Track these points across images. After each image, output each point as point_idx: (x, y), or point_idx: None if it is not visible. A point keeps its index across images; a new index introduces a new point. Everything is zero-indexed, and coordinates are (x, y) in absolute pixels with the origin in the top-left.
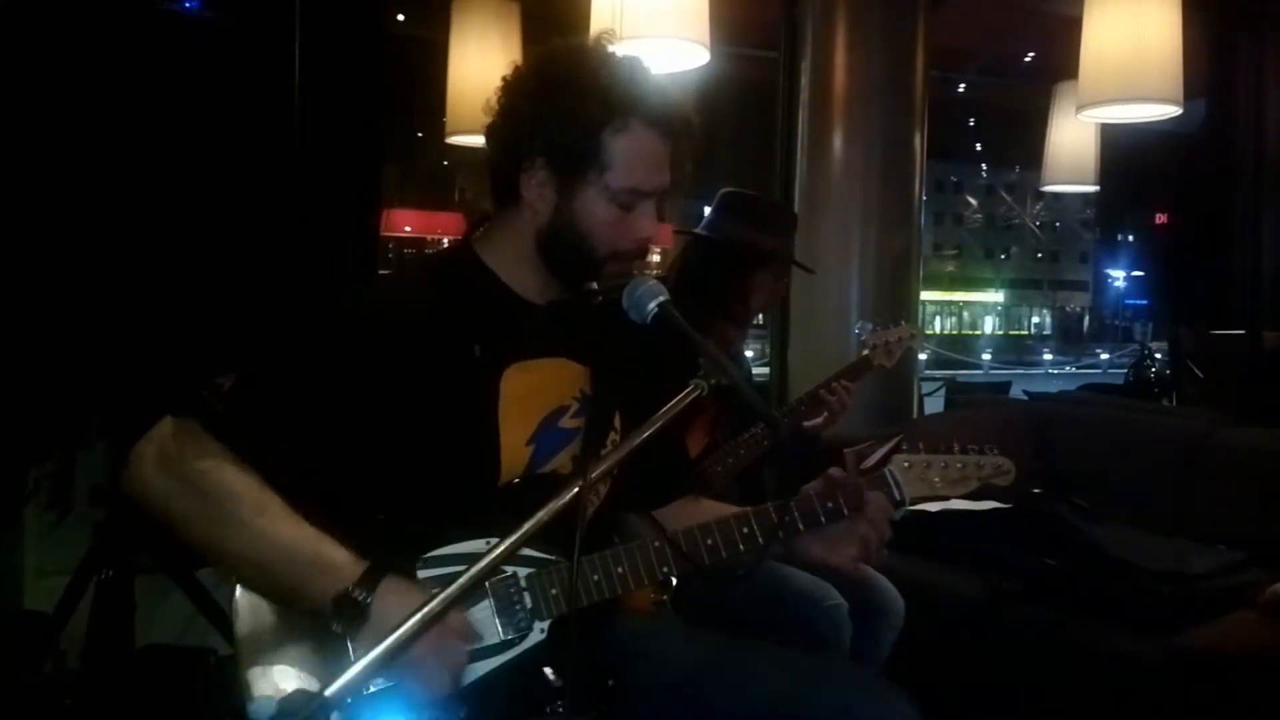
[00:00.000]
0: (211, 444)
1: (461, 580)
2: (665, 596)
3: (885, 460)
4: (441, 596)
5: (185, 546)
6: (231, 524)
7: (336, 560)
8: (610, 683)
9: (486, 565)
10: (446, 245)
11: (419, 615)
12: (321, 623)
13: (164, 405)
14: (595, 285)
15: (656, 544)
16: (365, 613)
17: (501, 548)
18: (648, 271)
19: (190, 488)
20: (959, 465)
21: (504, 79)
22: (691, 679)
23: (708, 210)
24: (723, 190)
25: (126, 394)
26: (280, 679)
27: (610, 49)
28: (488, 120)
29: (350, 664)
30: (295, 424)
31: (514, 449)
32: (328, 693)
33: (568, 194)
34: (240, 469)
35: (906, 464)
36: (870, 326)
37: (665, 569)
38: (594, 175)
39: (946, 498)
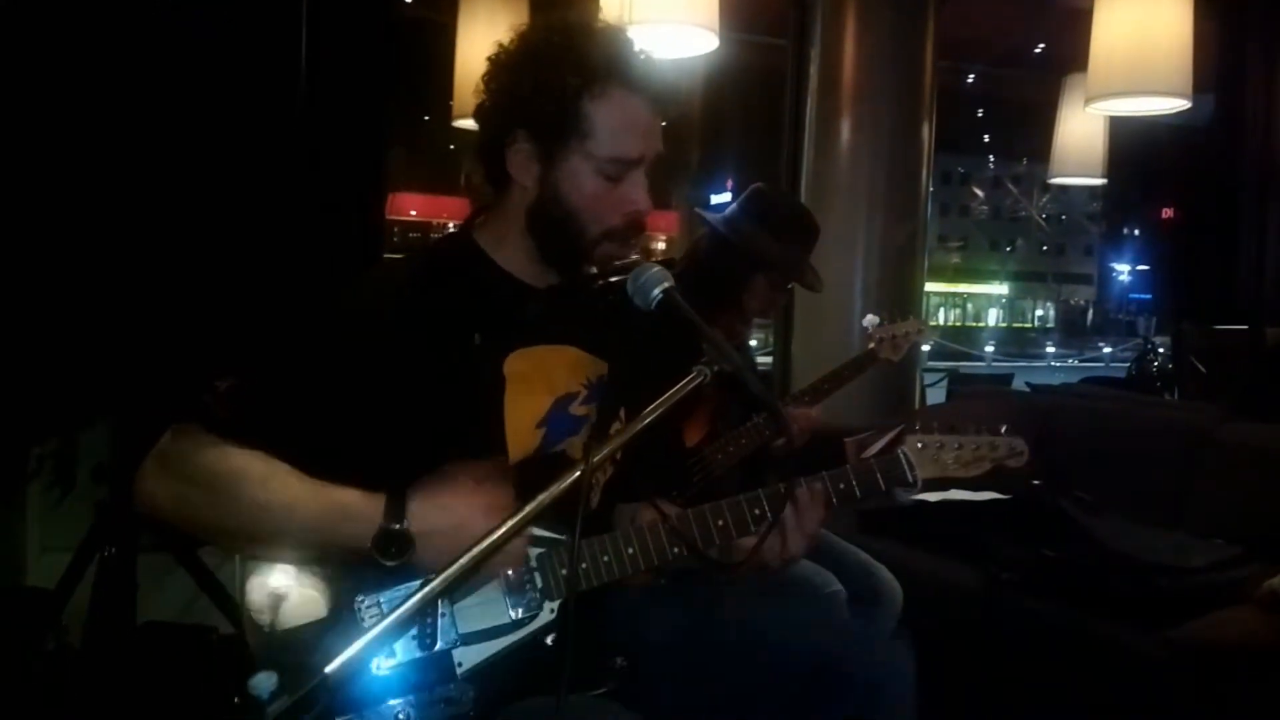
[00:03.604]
0: (210, 438)
1: (462, 560)
2: (663, 581)
3: (890, 448)
4: (443, 576)
5: (211, 543)
6: (245, 502)
7: (355, 502)
8: (618, 661)
9: (486, 546)
10: (449, 232)
11: (412, 602)
12: (365, 566)
13: (164, 416)
14: (594, 270)
15: (667, 525)
16: (409, 541)
17: (502, 529)
18: (637, 254)
19: (195, 481)
20: (973, 446)
21: (488, 59)
22: (696, 659)
23: (714, 198)
24: (754, 185)
25: (129, 373)
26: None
27: (593, 20)
28: (477, 102)
29: (355, 638)
30: (297, 419)
31: (523, 432)
32: (328, 669)
33: (551, 166)
34: (240, 451)
35: (920, 445)
36: (878, 320)
37: (676, 549)
38: (576, 144)
39: (959, 479)
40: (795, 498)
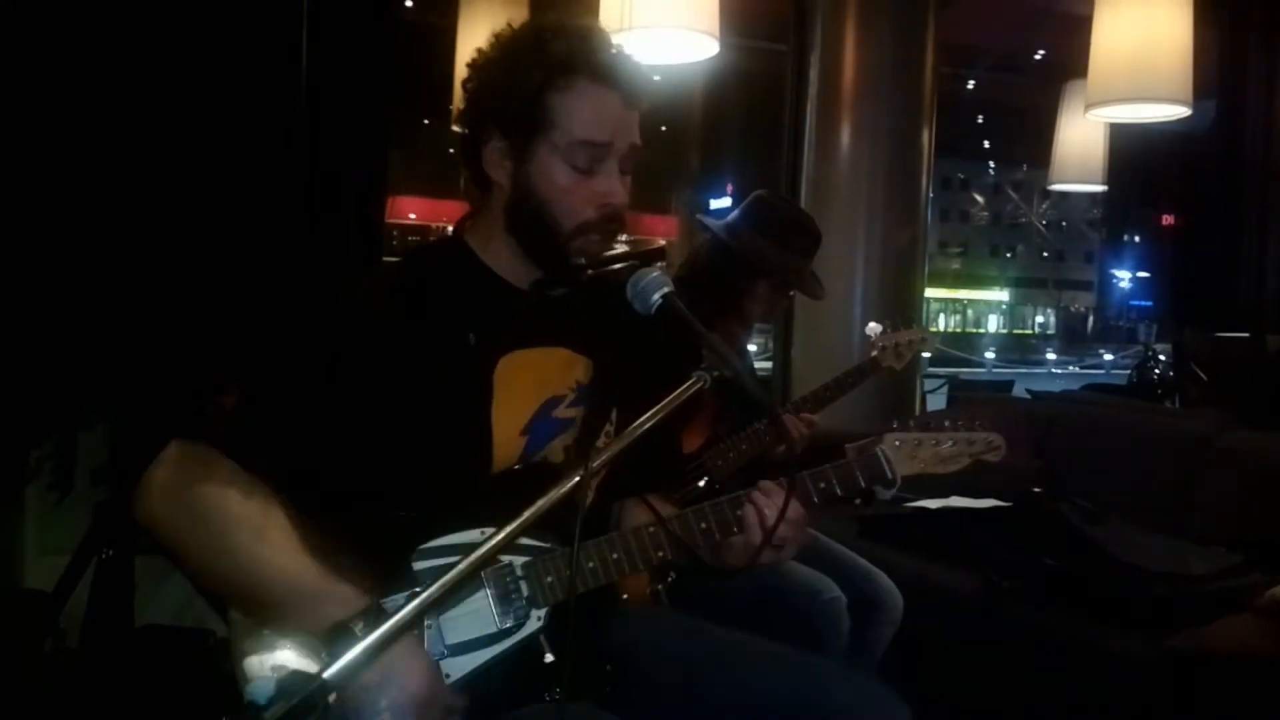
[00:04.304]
0: (217, 465)
1: (459, 568)
2: (660, 586)
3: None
4: (440, 583)
5: (191, 579)
6: (231, 553)
7: (337, 593)
8: (608, 668)
9: (482, 555)
10: (439, 236)
11: (403, 614)
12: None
13: (170, 428)
14: (581, 261)
15: (651, 529)
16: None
17: (498, 538)
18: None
19: (193, 513)
20: (949, 443)
21: (467, 64)
22: (688, 672)
23: (714, 203)
24: (755, 192)
25: (129, 375)
26: (270, 650)
27: (565, 20)
28: (459, 108)
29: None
30: (299, 429)
31: (507, 438)
32: (326, 675)
33: (523, 160)
34: (244, 492)
35: (897, 443)
36: (881, 328)
37: (661, 553)
38: (542, 136)
39: (938, 475)
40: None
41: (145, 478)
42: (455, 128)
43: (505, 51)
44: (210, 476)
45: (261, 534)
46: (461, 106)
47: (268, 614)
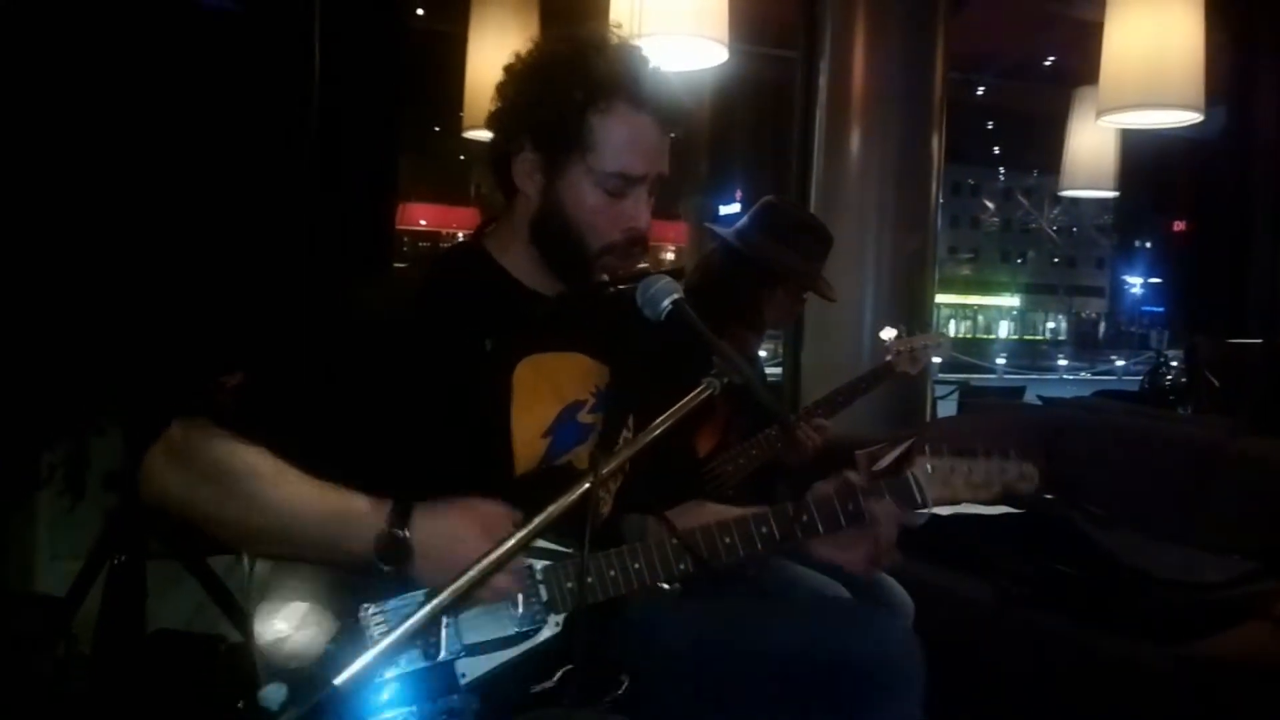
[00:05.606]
0: (218, 432)
1: (470, 574)
2: (674, 587)
3: (899, 462)
4: (452, 588)
5: (217, 539)
6: (254, 499)
7: (363, 508)
8: (622, 679)
9: (492, 561)
10: (460, 240)
11: (420, 615)
12: (364, 571)
13: (172, 410)
14: (605, 277)
15: (674, 541)
16: (409, 550)
17: (508, 544)
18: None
19: (206, 475)
20: (983, 470)
21: (504, 68)
22: (695, 647)
23: (723, 209)
24: (764, 198)
25: (140, 379)
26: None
27: (607, 36)
28: (491, 110)
29: (364, 650)
30: (304, 418)
31: (529, 441)
32: (337, 681)
33: (554, 177)
34: (249, 448)
35: (930, 467)
36: (895, 333)
37: (682, 566)
38: (578, 157)
39: (969, 502)
40: (804, 520)
41: (147, 459)
42: (480, 134)
43: (546, 63)
44: (214, 440)
45: (277, 478)
46: (494, 113)
47: (302, 548)
